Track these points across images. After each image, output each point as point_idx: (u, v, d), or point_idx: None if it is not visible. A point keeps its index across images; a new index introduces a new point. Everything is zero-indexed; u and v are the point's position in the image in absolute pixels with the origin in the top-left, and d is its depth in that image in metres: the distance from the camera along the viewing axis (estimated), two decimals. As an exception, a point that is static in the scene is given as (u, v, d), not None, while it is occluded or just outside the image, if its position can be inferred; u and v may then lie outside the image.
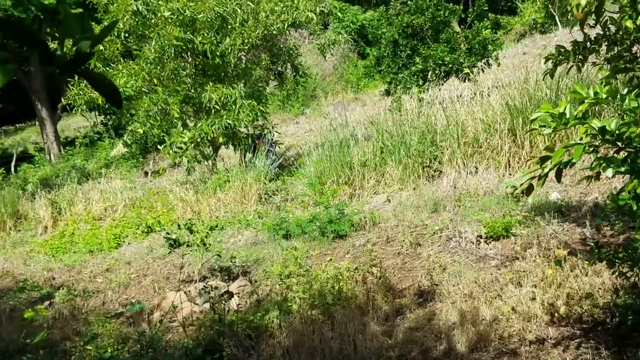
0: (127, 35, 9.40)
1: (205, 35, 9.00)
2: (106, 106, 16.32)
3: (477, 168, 6.81)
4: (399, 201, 6.59)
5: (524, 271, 4.07)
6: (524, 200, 5.40)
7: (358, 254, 5.25)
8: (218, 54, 9.09)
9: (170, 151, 8.97)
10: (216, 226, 6.46)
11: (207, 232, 5.22)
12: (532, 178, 2.32)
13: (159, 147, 9.69)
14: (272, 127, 10.92)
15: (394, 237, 5.46)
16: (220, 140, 9.50)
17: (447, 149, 7.07)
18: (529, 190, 2.36)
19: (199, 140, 9.38)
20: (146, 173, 15.71)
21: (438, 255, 4.74)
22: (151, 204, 9.43)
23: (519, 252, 4.42)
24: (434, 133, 7.36)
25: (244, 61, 10.00)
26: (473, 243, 4.76)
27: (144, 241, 7.72)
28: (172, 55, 8.90)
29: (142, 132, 9.38)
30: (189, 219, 7.02)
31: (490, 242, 4.78)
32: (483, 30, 12.31)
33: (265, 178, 8.74)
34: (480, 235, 4.82)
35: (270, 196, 8.55)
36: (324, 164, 7.91)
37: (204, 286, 4.55)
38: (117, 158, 17.15)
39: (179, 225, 5.04)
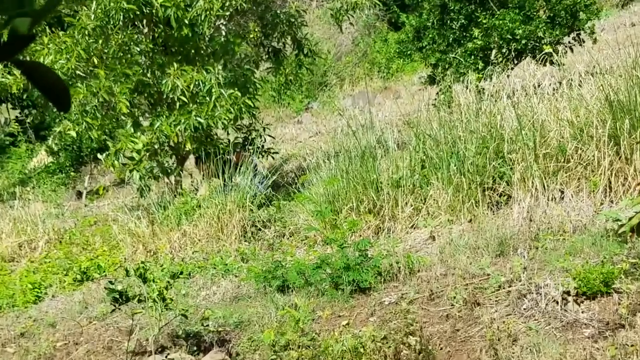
0: (56, -6, 9.59)
1: (169, -5, 9.17)
2: (23, 96, 16.58)
3: (562, 192, 6.80)
4: (447, 239, 6.58)
5: (632, 345, 4.04)
6: (632, 240, 5.38)
7: (387, 316, 5.24)
8: (186, 22, 9.24)
9: (116, 162, 9.09)
10: (181, 273, 6.51)
11: (168, 282, 5.25)
12: (645, 210, 2.34)
13: (98, 156, 9.82)
14: (263, 129, 11.03)
15: (441, 292, 5.45)
16: (188, 146, 9.61)
17: (519, 164, 7.09)
18: (641, 227, 2.37)
19: (156, 146, 9.48)
20: (80, 194, 15.86)
21: (505, 320, 4.73)
22: (86, 238, 9.50)
23: (625, 317, 4.39)
24: (499, 140, 7.39)
25: (223, 33, 10.15)
26: (557, 302, 4.74)
27: (75, 293, 7.73)
28: (121, 23, 9.04)
29: (74, 134, 9.49)
30: (142, 262, 7.05)
31: (582, 302, 4.76)
32: (572, -10, 12.38)
33: (252, 202, 8.80)
34: (567, 292, 4.80)
35: (260, 229, 8.59)
36: (338, 183, 7.95)
37: (162, 361, 4.56)
38: (39, 171, 17.33)
39: (126, 271, 5.08)
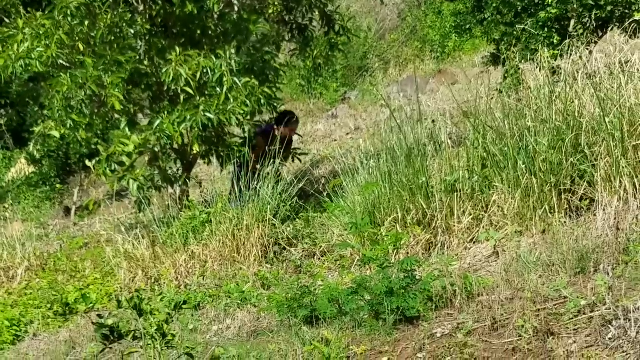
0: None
1: (169, -37, 9.28)
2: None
3: (658, 192, 6.72)
4: (515, 255, 6.54)
5: None
6: None
7: (440, 351, 5.22)
8: (191, -4, 9.33)
9: (108, 170, 9.18)
10: (184, 302, 6.52)
11: (169, 314, 5.28)
12: None
13: (87, 163, 9.93)
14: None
15: (506, 320, 5.41)
16: (196, 149, 9.69)
17: (603, 159, 7.01)
18: None
19: (157, 149, 9.56)
20: (68, 210, 16.07)
21: (586, 353, 4.69)
22: (75, 264, 9.62)
23: None
24: (578, 131, 7.32)
25: (236, 9, 10.23)
26: (651, 330, 4.69)
27: (61, 330, 7.84)
28: (110, 0, 9.14)
29: (57, 134, 9.61)
30: (136, 291, 7.12)
31: (683, 329, 4.70)
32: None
33: (275, 216, 8.83)
34: (663, 316, 4.75)
35: (285, 248, 8.62)
36: (379, 190, 7.94)
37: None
38: (18, 184, 17.59)
39: (118, 302, 5.13)
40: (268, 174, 9.35)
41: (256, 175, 9.51)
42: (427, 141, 8.65)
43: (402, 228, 7.65)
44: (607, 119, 7.19)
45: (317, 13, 11.53)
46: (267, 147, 9.90)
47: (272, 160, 9.68)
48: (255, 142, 10.40)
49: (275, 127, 10.68)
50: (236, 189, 9.90)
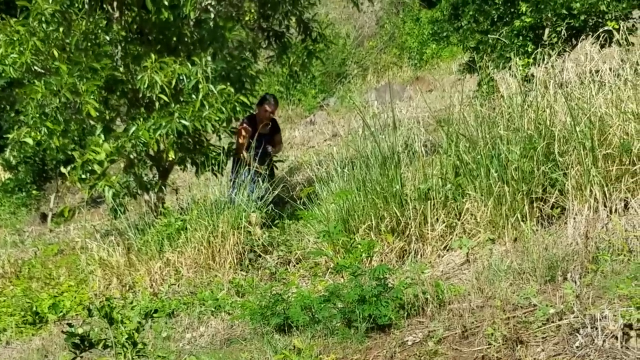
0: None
1: (143, -30, 9.26)
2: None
3: (627, 201, 6.77)
4: (486, 263, 6.57)
5: None
6: None
7: (411, 359, 5.23)
8: (165, 3, 9.33)
9: (82, 177, 9.16)
10: (155, 311, 6.51)
11: (139, 322, 5.27)
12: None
13: (62, 169, 9.89)
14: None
15: (476, 328, 5.44)
16: (171, 155, 9.68)
17: (574, 168, 7.07)
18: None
19: (132, 156, 9.54)
20: (44, 216, 16.00)
21: (554, 361, 4.73)
22: (49, 271, 9.59)
23: (701, 355, 4.37)
24: (549, 139, 7.37)
25: (212, 16, 10.22)
26: (617, 338, 4.72)
27: (33, 339, 7.81)
28: (86, 7, 9.14)
29: (31, 141, 9.58)
30: (107, 299, 7.10)
31: (648, 337, 4.73)
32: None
33: (251, 223, 8.83)
34: (629, 325, 4.77)
35: (260, 256, 8.62)
36: (353, 197, 7.96)
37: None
38: (-6, 190, 17.49)
39: (89, 311, 5.12)
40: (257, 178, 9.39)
41: (239, 164, 9.64)
42: (402, 149, 8.68)
43: (376, 236, 7.67)
44: (578, 128, 7.24)
45: (293, 20, 11.53)
46: (253, 132, 10.16)
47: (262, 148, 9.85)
48: (238, 128, 10.61)
49: (256, 111, 10.66)
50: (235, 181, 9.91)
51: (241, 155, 10.24)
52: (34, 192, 17.11)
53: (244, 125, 10.58)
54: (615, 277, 5.57)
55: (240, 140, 10.54)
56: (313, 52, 11.94)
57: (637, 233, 6.28)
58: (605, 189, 6.90)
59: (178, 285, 8.29)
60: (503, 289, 5.90)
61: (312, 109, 21.85)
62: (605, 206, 6.78)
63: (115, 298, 7.63)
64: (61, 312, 8.11)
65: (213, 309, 7.34)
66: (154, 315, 6.30)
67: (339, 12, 25.71)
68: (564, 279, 5.81)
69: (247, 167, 9.64)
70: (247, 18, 10.71)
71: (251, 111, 10.44)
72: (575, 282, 5.54)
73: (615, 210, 6.74)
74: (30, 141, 9.61)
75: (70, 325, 4.89)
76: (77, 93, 9.14)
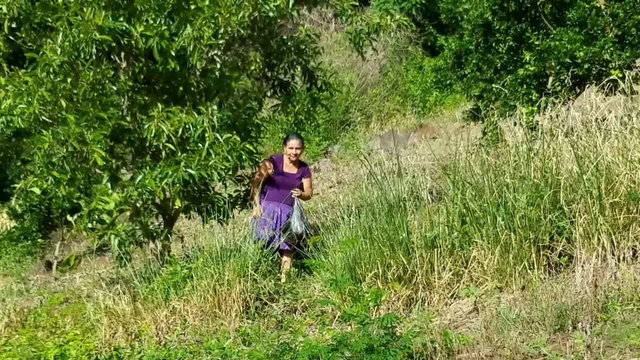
0: (15, 25, 9.77)
1: (151, 22, 9.32)
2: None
3: (635, 250, 6.76)
4: (494, 311, 6.55)
5: None
6: None
7: (420, 409, 5.21)
8: (172, 54, 9.38)
9: (89, 226, 9.14)
10: (164, 360, 6.52)
11: (148, 372, 5.26)
12: None
13: (68, 218, 9.88)
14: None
15: (486, 377, 5.42)
16: (177, 204, 9.68)
17: (581, 216, 7.07)
18: None
19: (139, 204, 9.54)
20: (49, 264, 15.98)
21: (565, 412, 4.69)
22: (55, 320, 9.50)
23: None
24: (556, 188, 7.38)
25: (218, 66, 10.30)
26: (629, 389, 4.70)
27: (40, 388, 7.76)
28: (93, 58, 9.20)
29: (38, 191, 9.57)
30: (116, 348, 7.07)
31: (660, 387, 4.71)
32: (646, 2, 12.49)
33: (256, 270, 8.80)
34: (641, 375, 4.76)
35: (266, 304, 8.57)
36: (359, 245, 7.95)
37: None
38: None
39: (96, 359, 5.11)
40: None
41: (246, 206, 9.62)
42: (408, 197, 8.68)
43: (383, 284, 7.64)
44: (584, 177, 7.25)
45: (299, 69, 11.59)
46: (274, 173, 9.97)
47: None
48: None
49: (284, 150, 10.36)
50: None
51: (253, 191, 10.07)
52: (39, 240, 17.11)
53: (265, 160, 10.31)
54: (625, 327, 5.55)
55: (255, 176, 10.25)
56: (318, 99, 11.98)
57: (646, 282, 6.27)
58: (613, 237, 6.90)
59: (184, 334, 8.23)
60: (512, 338, 5.88)
61: (316, 156, 21.92)
62: (613, 254, 6.77)
63: (122, 347, 7.57)
64: (70, 360, 8.04)
65: (220, 358, 7.28)
66: (162, 365, 6.29)
67: (342, 60, 25.90)
68: (573, 328, 5.78)
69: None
70: (252, 67, 10.72)
71: (257, 159, 10.40)
72: (586, 332, 5.53)
73: (624, 258, 6.73)
74: (37, 190, 9.57)
75: (78, 375, 4.87)
76: (84, 142, 9.14)
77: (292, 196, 9.89)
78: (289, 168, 10.05)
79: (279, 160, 10.10)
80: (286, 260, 9.79)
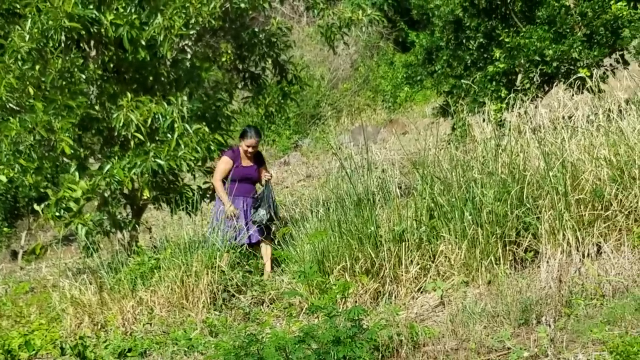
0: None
1: (121, 10, 9.26)
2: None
3: (599, 246, 6.83)
4: (460, 305, 6.59)
5: None
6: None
7: (385, 401, 5.22)
8: (143, 43, 9.33)
9: (56, 215, 9.07)
10: (129, 350, 6.49)
11: (114, 362, 5.24)
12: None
13: (35, 207, 9.79)
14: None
15: (451, 370, 5.44)
16: (146, 194, 9.63)
17: (547, 212, 7.13)
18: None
19: (107, 194, 9.48)
20: (15, 253, 15.84)
21: (528, 405, 4.73)
22: (20, 309, 9.42)
23: (673, 400, 4.39)
24: (523, 184, 7.43)
25: (189, 56, 10.25)
26: (590, 382, 4.74)
27: (3, 379, 7.69)
28: (62, 45, 9.12)
29: (4, 178, 9.47)
30: (81, 337, 7.01)
31: (622, 382, 4.75)
32: (613, 2, 12.56)
33: (225, 262, 8.78)
34: (603, 369, 4.81)
35: (234, 295, 8.55)
36: (328, 238, 7.95)
37: None
38: (-37, 228, 17.28)
39: (61, 349, 5.08)
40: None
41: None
42: (377, 191, 8.69)
43: (351, 277, 7.65)
44: (551, 173, 7.31)
45: (270, 62, 11.57)
46: (235, 165, 9.61)
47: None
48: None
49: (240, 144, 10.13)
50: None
51: (218, 190, 9.75)
52: (5, 229, 16.91)
53: (223, 155, 9.83)
54: (588, 322, 5.61)
55: (217, 176, 9.73)
56: (288, 93, 11.95)
57: (609, 278, 6.33)
58: (578, 233, 6.96)
59: (151, 325, 8.20)
60: (477, 331, 5.91)
61: (286, 150, 21.88)
62: (578, 250, 6.83)
63: (87, 337, 7.52)
64: (33, 350, 7.97)
65: (186, 349, 7.25)
66: (128, 354, 6.27)
67: (314, 54, 25.86)
68: (537, 323, 5.83)
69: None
70: (223, 59, 10.69)
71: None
72: (550, 326, 5.57)
73: (588, 254, 6.80)
74: (3, 178, 9.47)
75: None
76: (52, 131, 9.06)
77: (264, 180, 9.73)
78: (246, 161, 9.79)
79: (236, 156, 9.78)
80: (265, 248, 9.56)
